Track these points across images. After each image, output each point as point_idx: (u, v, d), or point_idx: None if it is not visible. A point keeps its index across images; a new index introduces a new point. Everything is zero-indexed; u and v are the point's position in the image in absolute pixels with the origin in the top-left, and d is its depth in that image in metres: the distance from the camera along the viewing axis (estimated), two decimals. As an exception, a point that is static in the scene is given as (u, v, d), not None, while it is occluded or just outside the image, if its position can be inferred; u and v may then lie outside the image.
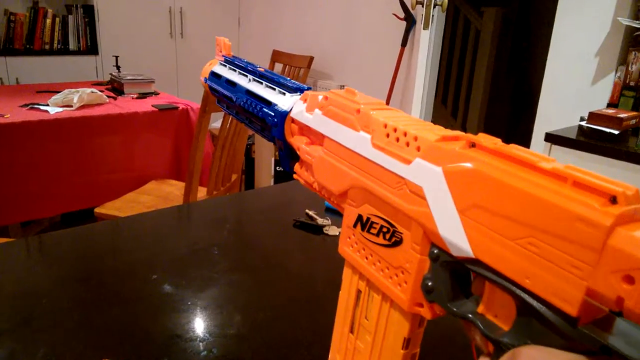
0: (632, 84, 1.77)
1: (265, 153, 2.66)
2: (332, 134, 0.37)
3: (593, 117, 1.58)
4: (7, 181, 1.85)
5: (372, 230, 0.34)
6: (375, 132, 0.33)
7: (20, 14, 3.36)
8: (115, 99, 2.35)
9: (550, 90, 1.99)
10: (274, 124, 0.44)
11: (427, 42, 2.28)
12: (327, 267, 0.70)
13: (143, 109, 2.17)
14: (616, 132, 1.52)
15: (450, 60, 3.81)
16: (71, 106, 2.06)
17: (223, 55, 0.55)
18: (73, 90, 2.11)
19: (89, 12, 3.55)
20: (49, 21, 3.43)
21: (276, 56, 3.53)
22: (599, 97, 1.86)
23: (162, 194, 2.04)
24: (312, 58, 3.27)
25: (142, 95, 2.45)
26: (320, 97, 0.40)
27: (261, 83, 0.47)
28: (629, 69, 1.77)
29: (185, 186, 1.74)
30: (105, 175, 2.08)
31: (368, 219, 0.34)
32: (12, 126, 1.82)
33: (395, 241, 0.32)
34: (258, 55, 3.97)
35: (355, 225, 0.35)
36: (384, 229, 0.33)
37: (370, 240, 0.34)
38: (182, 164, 2.28)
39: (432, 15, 2.21)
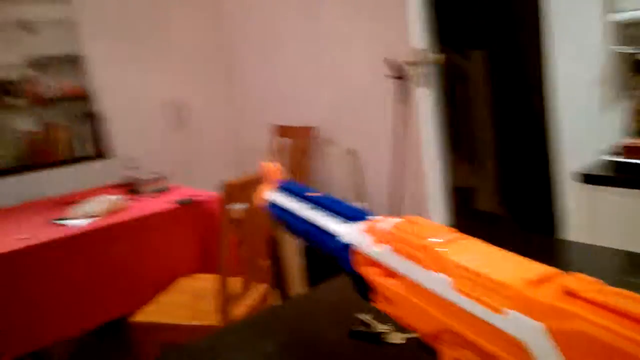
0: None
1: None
2: (407, 273, 0.35)
3: (629, 150, 1.49)
4: (41, 302, 1.83)
5: None
6: (456, 278, 0.30)
7: (35, 131, 3.49)
8: (133, 200, 2.38)
9: (561, 128, 1.98)
10: (339, 258, 0.43)
11: (424, 98, 2.30)
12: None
13: (163, 207, 2.19)
14: (656, 163, 1.43)
15: (453, 106, 3.85)
16: (95, 216, 2.08)
17: (279, 181, 0.56)
18: (92, 200, 2.14)
19: (94, 119, 3.67)
20: (58, 134, 3.54)
21: (277, 131, 3.60)
22: (611, 128, 1.84)
23: (194, 290, 2.01)
24: (313, 128, 3.33)
25: (159, 192, 2.48)
26: (386, 228, 0.38)
27: (321, 211, 0.47)
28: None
29: (218, 281, 1.72)
30: (135, 280, 2.05)
31: None
32: (42, 247, 1.82)
33: None
34: (258, 131, 4.05)
35: None
36: None
37: None
38: (208, 255, 2.27)
39: (425, 73, 2.25)
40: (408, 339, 0.71)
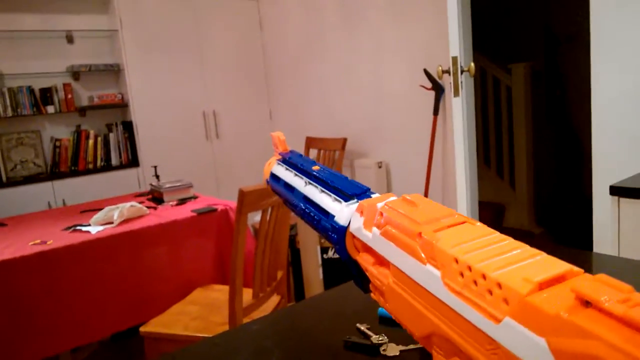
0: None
1: (310, 242, 2.58)
2: (396, 262, 0.29)
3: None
4: (56, 308, 1.82)
5: None
6: (445, 269, 0.24)
7: (65, 139, 3.57)
8: (155, 208, 2.37)
9: (601, 139, 1.85)
10: (334, 242, 0.37)
11: (459, 109, 2.22)
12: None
13: (183, 216, 2.16)
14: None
15: (485, 120, 3.73)
16: (112, 223, 2.07)
17: (280, 153, 0.51)
18: (113, 206, 2.13)
19: (128, 128, 3.73)
20: (91, 142, 3.61)
21: (310, 142, 3.55)
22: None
23: (208, 301, 1.96)
24: (345, 140, 3.27)
25: (182, 201, 2.46)
26: (379, 207, 0.32)
27: (317, 187, 0.42)
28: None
29: (229, 292, 1.66)
30: (151, 288, 2.03)
31: None
32: (55, 252, 1.82)
33: None
34: (292, 144, 4.00)
35: None
36: None
37: None
38: (227, 266, 2.22)
39: (461, 82, 2.16)
40: (402, 351, 0.68)
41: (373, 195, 0.36)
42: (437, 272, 0.25)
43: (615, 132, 1.82)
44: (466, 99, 2.22)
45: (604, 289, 0.18)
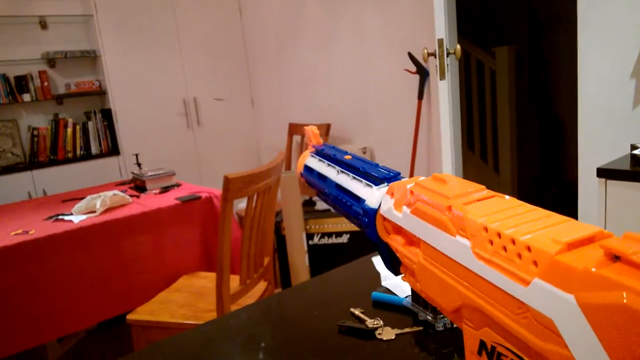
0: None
1: (296, 229, 2.57)
2: (426, 238, 0.29)
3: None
4: (40, 298, 1.79)
5: None
6: (474, 239, 0.25)
7: (43, 127, 3.48)
8: (138, 197, 2.33)
9: (588, 122, 1.86)
10: (365, 225, 0.39)
11: (446, 92, 2.21)
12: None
13: (166, 204, 2.13)
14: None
15: (469, 104, 3.74)
16: (95, 212, 2.03)
17: (313, 146, 0.53)
18: (95, 195, 2.09)
19: (107, 116, 3.66)
20: (69, 130, 3.53)
21: (293, 129, 3.52)
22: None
23: (194, 289, 1.94)
24: (329, 125, 3.25)
25: (165, 189, 2.42)
26: (408, 187, 0.33)
27: (348, 174, 0.44)
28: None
29: (216, 279, 1.64)
30: (136, 277, 2.01)
31: (493, 347, 0.25)
32: (37, 242, 1.78)
33: None
34: (275, 130, 3.98)
35: (480, 353, 0.27)
36: None
37: None
38: (212, 253, 2.20)
39: (447, 65, 2.16)
40: (398, 335, 0.68)
41: (403, 179, 0.37)
42: (467, 242, 0.25)
43: (601, 115, 1.83)
44: (452, 82, 2.22)
45: (633, 244, 0.18)
